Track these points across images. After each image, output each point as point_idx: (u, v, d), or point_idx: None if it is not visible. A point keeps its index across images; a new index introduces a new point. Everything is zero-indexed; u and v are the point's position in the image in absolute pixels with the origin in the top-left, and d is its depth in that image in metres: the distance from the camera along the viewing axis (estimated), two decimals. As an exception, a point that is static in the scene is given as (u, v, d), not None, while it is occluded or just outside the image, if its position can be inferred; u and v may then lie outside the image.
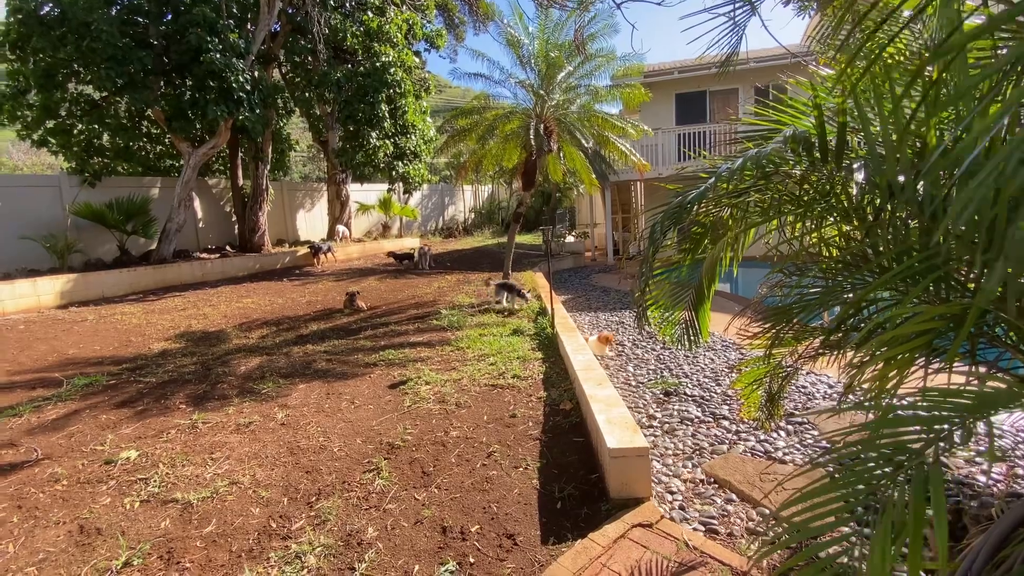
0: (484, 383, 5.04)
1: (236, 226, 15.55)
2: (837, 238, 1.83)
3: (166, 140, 14.51)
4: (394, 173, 16.89)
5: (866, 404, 1.61)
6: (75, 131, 12.63)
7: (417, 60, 17.66)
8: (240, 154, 15.10)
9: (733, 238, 2.69)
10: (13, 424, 4.44)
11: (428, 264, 14.10)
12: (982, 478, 3.26)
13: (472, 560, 2.65)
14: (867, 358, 1.50)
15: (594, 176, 9.28)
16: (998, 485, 3.22)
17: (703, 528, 2.90)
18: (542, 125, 8.21)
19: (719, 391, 4.98)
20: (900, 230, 1.57)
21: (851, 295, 1.69)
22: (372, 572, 2.59)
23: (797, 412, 4.39)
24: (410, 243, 18.54)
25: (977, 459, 3.40)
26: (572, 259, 15.43)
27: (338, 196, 17.50)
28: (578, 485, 3.29)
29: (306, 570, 2.61)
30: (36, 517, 3.13)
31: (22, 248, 10.77)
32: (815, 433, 4.00)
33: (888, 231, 1.54)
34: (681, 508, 3.11)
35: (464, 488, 3.30)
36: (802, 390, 4.89)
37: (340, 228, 17.31)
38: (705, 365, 5.81)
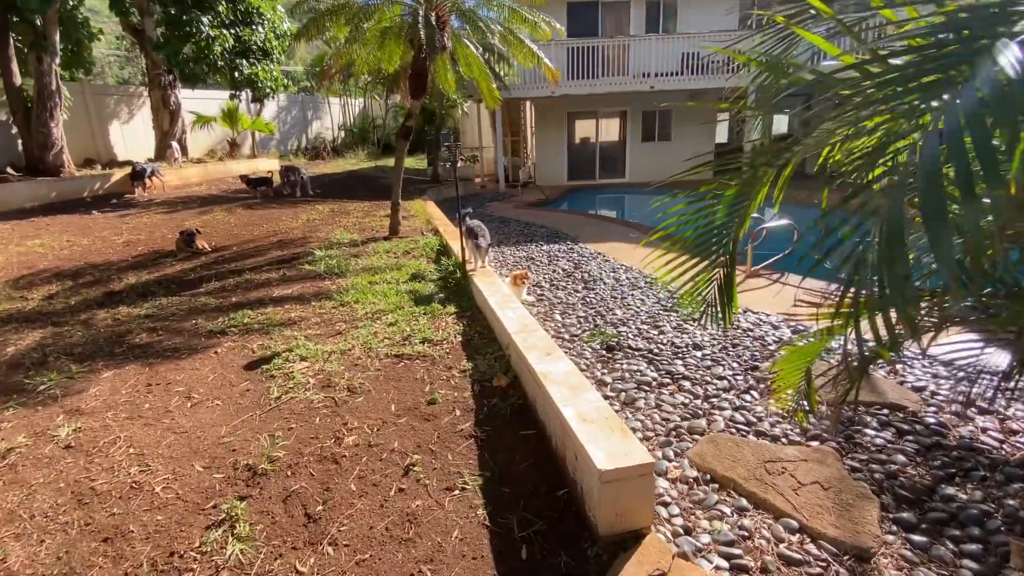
0: (385, 353, 3.78)
1: (20, 141, 11.77)
2: None
3: None
4: (237, 75, 13.75)
5: None
6: None
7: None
8: (14, 42, 11.12)
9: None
10: None
11: (308, 191, 11.91)
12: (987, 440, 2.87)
13: None
14: None
15: (494, 86, 7.85)
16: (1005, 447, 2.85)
17: (727, 565, 2.09)
18: (433, 13, 6.52)
19: (666, 341, 4.25)
20: None
21: None
22: None
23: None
24: (266, 165, 15.61)
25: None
26: (462, 186, 13.98)
27: (165, 104, 13.96)
28: (541, 509, 2.31)
29: None
30: None
31: None
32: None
33: None
34: (686, 531, 2.27)
35: (375, 540, 2.16)
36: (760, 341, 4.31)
37: (173, 144, 13.99)
38: (638, 308, 5.07)
